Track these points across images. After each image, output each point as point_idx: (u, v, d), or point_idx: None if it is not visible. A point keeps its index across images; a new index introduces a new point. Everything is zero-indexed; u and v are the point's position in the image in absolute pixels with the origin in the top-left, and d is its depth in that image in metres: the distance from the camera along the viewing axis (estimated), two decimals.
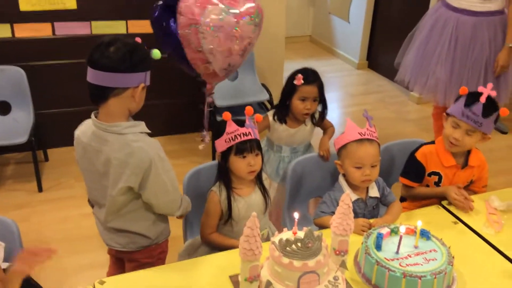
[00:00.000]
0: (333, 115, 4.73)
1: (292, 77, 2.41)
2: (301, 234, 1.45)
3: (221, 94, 3.65)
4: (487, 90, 1.98)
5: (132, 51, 1.65)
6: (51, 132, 3.73)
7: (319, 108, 2.54)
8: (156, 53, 1.74)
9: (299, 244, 1.42)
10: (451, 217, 2.00)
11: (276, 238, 1.47)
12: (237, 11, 2.59)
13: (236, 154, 1.84)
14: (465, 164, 2.15)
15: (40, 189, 3.34)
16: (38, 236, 2.91)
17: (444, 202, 2.08)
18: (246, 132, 1.82)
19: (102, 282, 1.63)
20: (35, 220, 3.07)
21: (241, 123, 1.83)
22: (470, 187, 2.21)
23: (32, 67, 3.47)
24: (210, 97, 2.95)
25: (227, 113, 1.79)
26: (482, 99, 1.97)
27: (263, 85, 3.90)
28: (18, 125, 3.35)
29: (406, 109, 4.90)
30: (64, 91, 3.62)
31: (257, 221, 1.39)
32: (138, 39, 1.77)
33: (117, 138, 1.69)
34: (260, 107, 3.73)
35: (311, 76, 2.40)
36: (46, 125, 3.66)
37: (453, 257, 1.62)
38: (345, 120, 2.02)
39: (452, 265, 1.59)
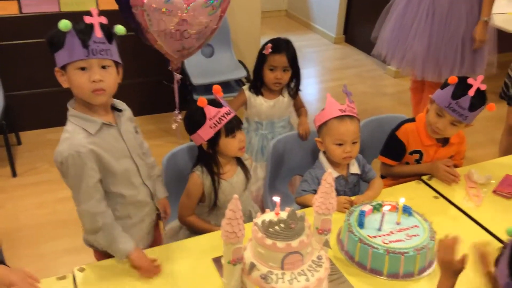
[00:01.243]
0: (311, 90, 4.71)
1: (263, 47, 2.37)
2: (283, 214, 1.43)
3: (197, 72, 3.58)
4: (476, 83, 1.92)
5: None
6: (23, 114, 3.63)
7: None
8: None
9: (282, 225, 1.40)
10: (432, 192, 2.01)
11: (258, 220, 1.45)
12: None
13: (228, 135, 1.80)
14: (446, 142, 2.15)
15: (14, 174, 3.25)
16: (13, 223, 2.84)
17: (425, 177, 2.09)
18: (227, 111, 1.79)
19: (82, 270, 1.60)
20: (10, 206, 2.99)
21: (217, 104, 1.79)
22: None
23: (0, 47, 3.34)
24: (177, 74, 2.87)
25: (203, 98, 1.74)
26: (471, 93, 1.91)
27: (240, 61, 3.83)
28: None
29: (383, 83, 4.90)
30: (34, 72, 3.50)
31: (239, 204, 1.37)
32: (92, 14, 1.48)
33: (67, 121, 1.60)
34: (238, 84, 3.66)
35: (281, 45, 2.36)
36: (17, 107, 3.55)
37: (435, 232, 1.63)
38: (324, 96, 2.00)
39: (434, 241, 1.60)
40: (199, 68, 3.62)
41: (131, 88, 3.65)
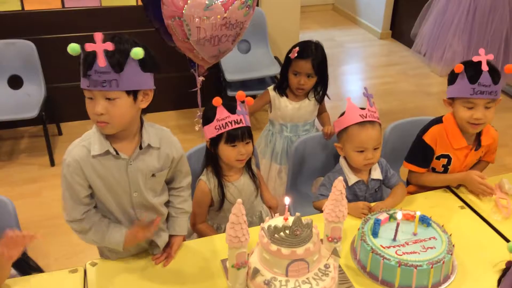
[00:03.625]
0: (352, 87, 4.60)
1: (291, 50, 2.32)
2: (291, 220, 1.39)
3: (232, 68, 3.57)
4: (483, 57, 1.81)
5: None
6: (64, 105, 3.74)
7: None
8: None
9: (287, 231, 1.37)
10: (458, 201, 1.91)
11: (266, 224, 1.42)
12: None
13: (227, 143, 1.77)
14: (478, 146, 2.00)
15: (52, 163, 3.37)
16: (48, 211, 2.94)
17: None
18: (237, 120, 1.74)
19: (93, 264, 1.63)
20: (46, 194, 3.10)
21: (232, 109, 1.75)
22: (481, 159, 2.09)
23: (42, 41, 3.46)
24: (202, 77, 2.84)
25: (218, 98, 1.71)
26: (484, 67, 1.80)
27: (276, 58, 3.79)
28: (30, 99, 3.36)
29: (428, 81, 4.72)
30: (75, 65, 3.57)
31: (242, 208, 1.34)
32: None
33: None
34: (273, 81, 3.62)
35: (308, 51, 2.28)
36: (59, 99, 3.66)
37: (453, 246, 1.55)
38: (360, 95, 1.90)
39: (451, 254, 1.52)
40: (234, 64, 3.60)
41: (165, 82, 3.69)
